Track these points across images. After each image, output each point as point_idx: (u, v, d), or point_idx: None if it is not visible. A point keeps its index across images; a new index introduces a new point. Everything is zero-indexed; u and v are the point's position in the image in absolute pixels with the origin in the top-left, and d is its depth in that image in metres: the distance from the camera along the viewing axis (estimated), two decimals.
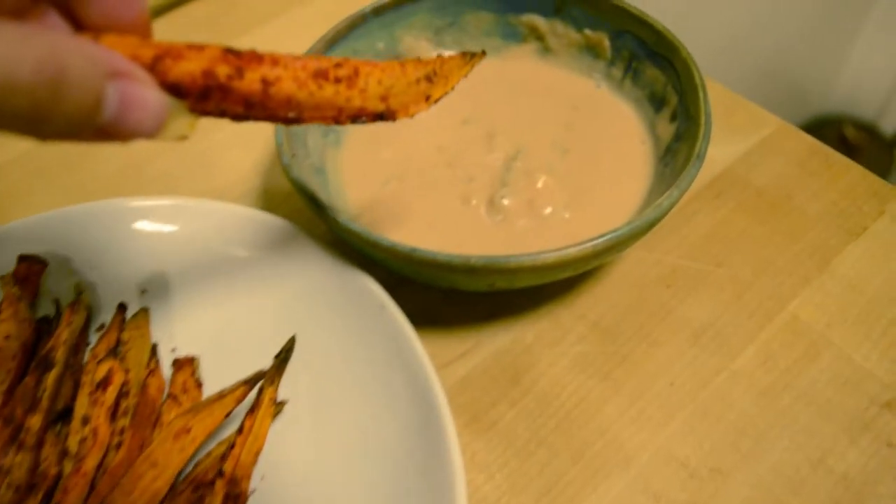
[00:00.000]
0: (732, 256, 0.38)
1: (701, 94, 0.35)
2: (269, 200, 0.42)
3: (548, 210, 0.36)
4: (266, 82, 0.22)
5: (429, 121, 0.37)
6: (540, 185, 0.36)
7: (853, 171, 0.41)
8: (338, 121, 0.25)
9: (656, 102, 0.39)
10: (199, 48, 0.22)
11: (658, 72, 0.39)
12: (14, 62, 0.15)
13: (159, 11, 0.54)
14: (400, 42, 0.42)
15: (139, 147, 0.45)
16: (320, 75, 0.24)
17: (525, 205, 0.36)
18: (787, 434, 0.32)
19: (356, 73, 0.25)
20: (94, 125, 0.18)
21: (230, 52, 0.22)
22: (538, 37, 0.43)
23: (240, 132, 0.44)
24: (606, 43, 0.41)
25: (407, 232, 0.36)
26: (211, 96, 0.22)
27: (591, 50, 0.42)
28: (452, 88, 0.28)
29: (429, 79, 0.27)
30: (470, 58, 0.29)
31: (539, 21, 0.42)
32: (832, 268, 0.37)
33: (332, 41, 0.39)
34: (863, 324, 0.35)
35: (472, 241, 0.35)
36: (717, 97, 0.45)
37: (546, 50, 0.43)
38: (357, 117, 0.25)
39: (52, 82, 0.16)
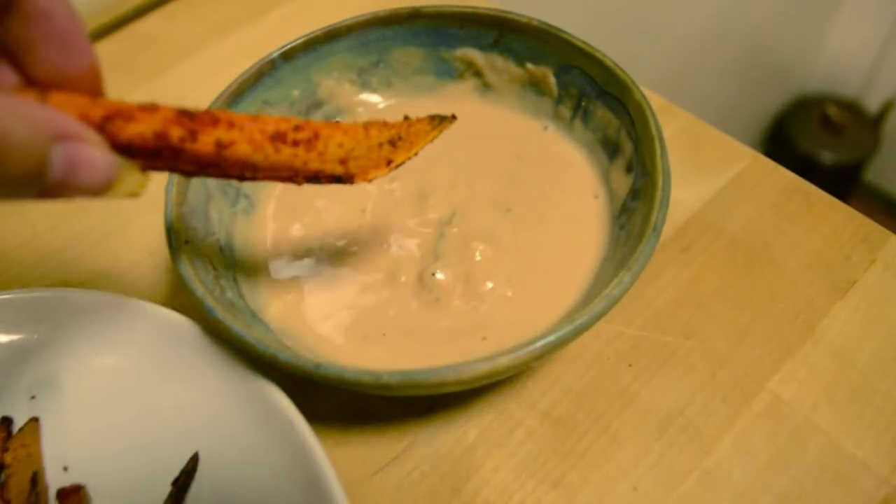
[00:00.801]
0: (704, 325, 0.33)
1: (658, 148, 0.30)
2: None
3: (487, 286, 0.31)
4: (220, 145, 0.22)
5: None
6: (478, 256, 0.31)
7: (838, 212, 0.36)
8: (294, 181, 0.24)
9: (610, 148, 0.34)
10: (152, 109, 0.21)
11: (610, 114, 0.34)
12: None
13: None
14: (319, 87, 0.37)
15: (36, 213, 0.40)
16: (278, 138, 0.23)
17: (461, 280, 0.31)
18: None
19: (316, 136, 0.24)
20: (38, 187, 0.18)
21: (184, 114, 0.21)
22: (476, 72, 0.37)
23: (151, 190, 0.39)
24: (551, 79, 0.36)
25: (324, 320, 0.31)
26: (162, 156, 0.21)
27: (536, 86, 0.36)
28: (416, 154, 0.27)
29: (392, 143, 0.26)
30: (439, 122, 0.28)
31: (475, 55, 0.37)
32: (817, 334, 0.32)
33: (237, 93, 0.34)
34: (854, 402, 0.30)
35: (399, 328, 0.30)
36: (684, 127, 0.40)
37: (486, 87, 0.38)
38: (314, 179, 0.24)
39: None
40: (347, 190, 0.35)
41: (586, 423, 0.30)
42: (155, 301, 0.34)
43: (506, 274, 0.31)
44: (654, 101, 0.41)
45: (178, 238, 0.29)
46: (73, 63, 0.20)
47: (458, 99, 0.38)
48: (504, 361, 0.24)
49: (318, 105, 0.37)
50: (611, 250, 0.31)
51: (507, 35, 0.36)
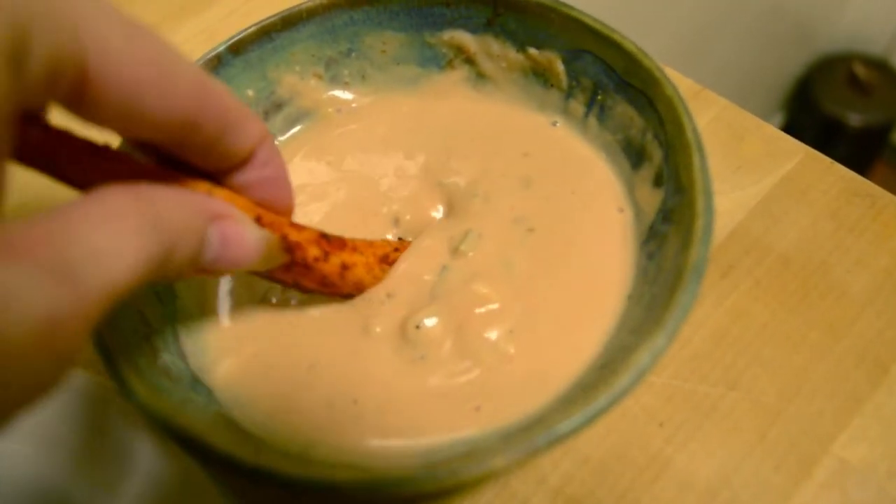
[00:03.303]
0: (750, 371, 0.27)
1: (696, 158, 0.23)
2: None
3: (485, 337, 0.25)
4: (344, 266, 0.24)
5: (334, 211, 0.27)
6: (481, 309, 0.25)
7: None
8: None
9: (633, 154, 0.28)
10: (300, 228, 0.23)
11: (633, 111, 0.27)
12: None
13: None
14: (278, 85, 0.31)
15: None
16: (384, 260, 0.26)
17: (453, 332, 0.25)
18: None
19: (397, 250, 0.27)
20: (198, 265, 0.19)
21: (324, 238, 0.23)
22: (467, 60, 0.31)
23: None
24: (559, 66, 0.29)
25: (284, 380, 0.25)
26: (292, 271, 0.23)
27: (540, 76, 0.30)
28: None
29: None
30: None
31: (466, 39, 0.30)
32: (891, 378, 0.26)
33: None
34: None
35: (373, 392, 0.24)
36: (719, 116, 0.34)
37: (480, 77, 0.31)
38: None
39: (168, 250, 0.17)
40: (320, 212, 0.29)
41: (608, 502, 0.25)
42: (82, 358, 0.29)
43: (509, 323, 0.25)
44: (683, 85, 0.34)
45: None
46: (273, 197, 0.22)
47: (446, 93, 0.32)
48: (499, 463, 0.19)
49: (278, 107, 0.31)
50: (637, 286, 0.25)
51: (503, 13, 0.29)
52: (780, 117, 1.41)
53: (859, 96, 1.32)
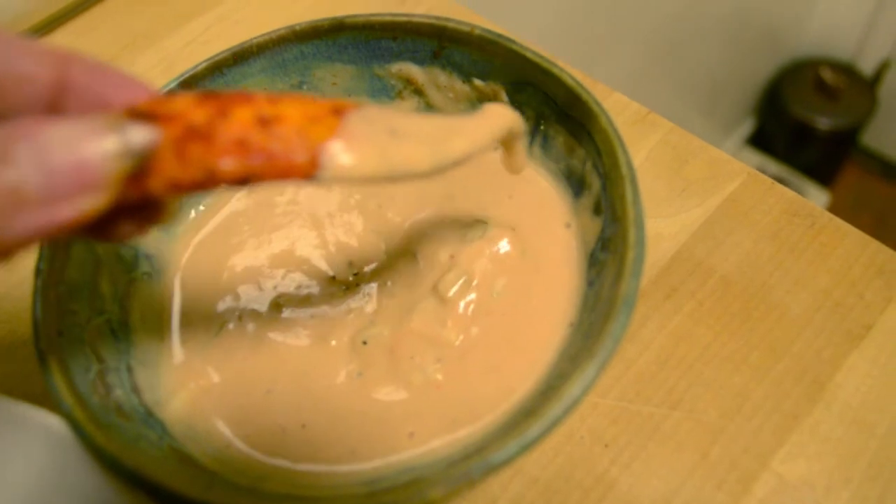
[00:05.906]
0: (692, 391, 0.28)
1: (629, 191, 0.24)
2: None
3: (415, 362, 0.25)
4: (263, 120, 0.17)
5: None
6: (415, 320, 0.26)
7: (848, 239, 0.31)
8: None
9: (575, 183, 0.28)
10: (165, 98, 0.17)
11: (573, 141, 0.28)
12: None
13: None
14: None
15: None
16: (336, 111, 0.18)
17: (387, 352, 0.26)
18: None
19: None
20: (25, 205, 0.14)
21: (209, 96, 0.17)
22: (416, 91, 0.32)
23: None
24: (504, 97, 0.30)
25: (237, 410, 0.26)
26: (190, 153, 0.16)
27: None
28: None
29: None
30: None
31: (414, 70, 0.31)
32: (828, 395, 0.27)
33: None
34: (875, 481, 0.25)
35: (321, 414, 0.25)
36: (668, 140, 0.35)
37: (429, 107, 0.32)
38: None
39: None
40: (277, 242, 0.30)
41: None
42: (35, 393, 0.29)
43: (439, 351, 0.26)
44: (631, 110, 0.35)
45: (48, 331, 0.24)
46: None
47: None
48: (437, 492, 0.19)
49: None
50: (579, 314, 0.26)
51: (447, 46, 0.30)
52: (750, 123, 1.44)
53: (827, 101, 1.35)
